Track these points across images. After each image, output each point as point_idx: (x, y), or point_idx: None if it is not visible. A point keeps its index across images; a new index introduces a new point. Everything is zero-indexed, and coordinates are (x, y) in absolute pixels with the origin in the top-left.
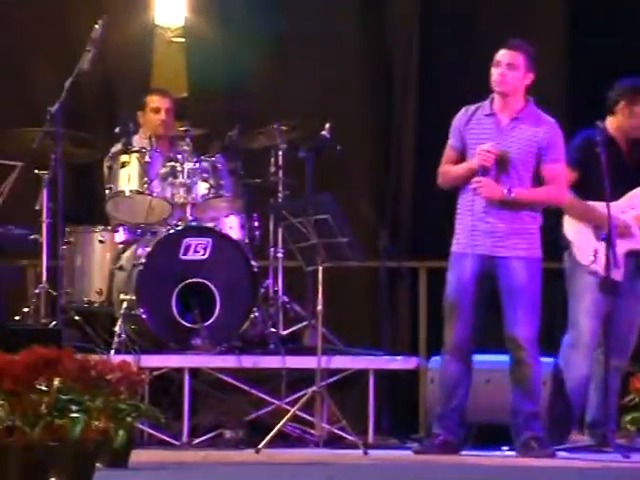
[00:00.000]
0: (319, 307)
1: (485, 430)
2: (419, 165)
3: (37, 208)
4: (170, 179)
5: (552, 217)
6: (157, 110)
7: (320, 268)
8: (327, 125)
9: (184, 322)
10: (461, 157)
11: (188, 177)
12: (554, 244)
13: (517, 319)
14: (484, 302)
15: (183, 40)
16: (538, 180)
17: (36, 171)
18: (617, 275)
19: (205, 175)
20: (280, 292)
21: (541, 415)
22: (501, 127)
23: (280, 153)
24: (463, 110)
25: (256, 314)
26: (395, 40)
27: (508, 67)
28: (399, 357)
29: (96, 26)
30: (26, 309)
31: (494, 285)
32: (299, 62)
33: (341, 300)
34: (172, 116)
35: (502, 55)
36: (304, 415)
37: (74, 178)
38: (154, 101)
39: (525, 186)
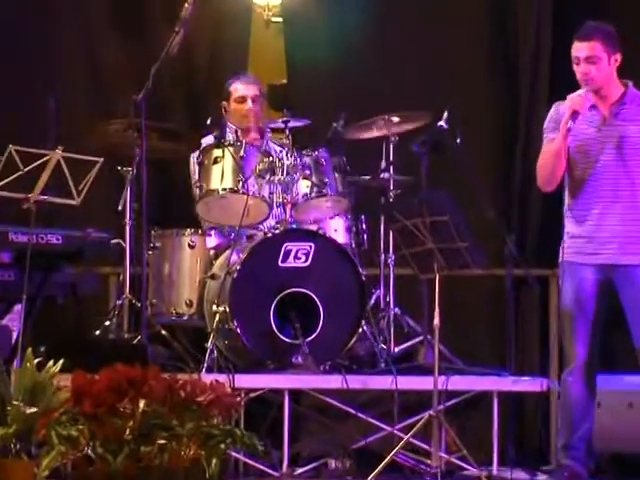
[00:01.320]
0: (436, 321)
1: (629, 460)
2: None
3: (119, 209)
4: (268, 176)
5: None
6: (242, 99)
7: (437, 276)
8: (444, 115)
9: (283, 337)
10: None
11: (288, 174)
12: None
13: None
14: (604, 316)
15: (281, 20)
16: None
17: (118, 168)
18: None
19: (307, 172)
20: (391, 304)
21: None
22: (606, 119)
23: (391, 147)
24: (556, 105)
25: (364, 329)
26: (523, 20)
27: (588, 61)
28: (527, 378)
29: (186, 5)
30: (107, 322)
31: (614, 296)
32: (412, 43)
33: (461, 313)
34: (261, 105)
35: (577, 49)
36: (419, 443)
37: (160, 175)
38: (237, 90)
39: None
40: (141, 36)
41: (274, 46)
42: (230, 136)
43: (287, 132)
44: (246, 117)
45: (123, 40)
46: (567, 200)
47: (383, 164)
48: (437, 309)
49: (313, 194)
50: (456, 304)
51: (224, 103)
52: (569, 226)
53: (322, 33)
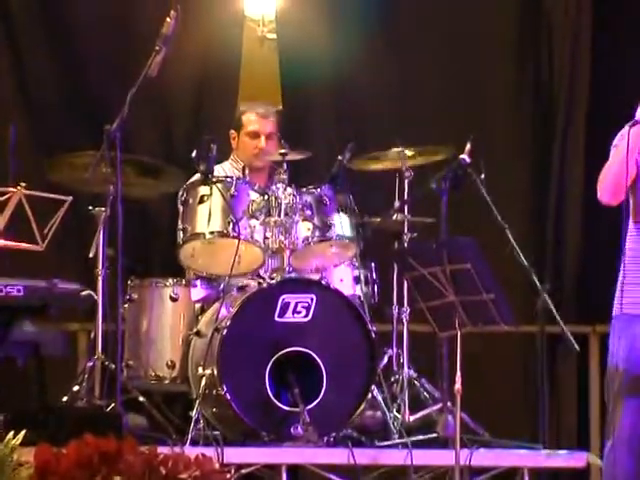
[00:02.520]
0: (457, 385)
1: None
2: (588, 199)
3: (90, 256)
4: (262, 217)
5: None
6: (254, 135)
7: (458, 334)
8: (467, 147)
9: (280, 405)
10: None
11: (285, 215)
12: None
13: None
14: None
15: (275, 37)
16: None
17: (89, 208)
18: None
19: (308, 212)
20: (406, 365)
21: None
22: None
23: (406, 183)
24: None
25: (375, 394)
26: (558, 41)
27: None
28: (563, 452)
29: (168, 19)
30: (76, 387)
31: None
32: (429, 64)
33: (486, 376)
34: (274, 143)
35: None
36: None
37: (137, 217)
38: (251, 122)
39: None
40: (112, 56)
41: (268, 67)
42: (235, 172)
43: (284, 166)
44: (256, 157)
45: (93, 59)
46: (628, 244)
47: (396, 203)
48: (459, 372)
49: (315, 238)
50: (481, 366)
51: (233, 132)
52: (627, 272)
53: (323, 52)
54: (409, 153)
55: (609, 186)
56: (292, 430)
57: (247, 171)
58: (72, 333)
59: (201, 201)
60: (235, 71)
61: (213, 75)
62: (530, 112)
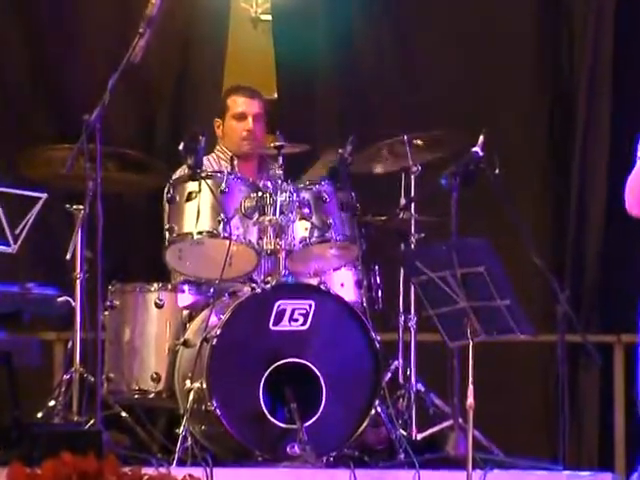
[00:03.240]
0: (469, 400)
1: None
2: (612, 200)
3: (68, 258)
4: (256, 216)
5: None
6: (241, 116)
7: (470, 344)
8: (480, 139)
9: (276, 421)
10: None
11: (281, 213)
12: None
13: None
14: None
15: (270, 18)
16: None
17: (66, 206)
18: None
19: (305, 210)
20: (413, 378)
21: None
22: None
23: (412, 179)
24: None
25: (379, 410)
26: (579, 22)
27: None
28: (585, 472)
29: (152, 0)
30: (52, 402)
31: None
32: (438, 48)
33: (501, 390)
34: (263, 125)
35: None
36: None
37: (119, 215)
38: (237, 104)
39: None
40: (90, 44)
41: (261, 52)
42: (222, 163)
43: (280, 160)
44: (245, 140)
45: (69, 46)
46: None
47: (403, 201)
48: (470, 385)
49: (313, 239)
50: (495, 379)
51: (217, 120)
52: None
53: (324, 36)
54: (418, 144)
55: (634, 199)
56: (288, 449)
57: (235, 161)
58: (47, 342)
59: (189, 198)
60: (221, 56)
61: (197, 60)
62: (549, 101)
